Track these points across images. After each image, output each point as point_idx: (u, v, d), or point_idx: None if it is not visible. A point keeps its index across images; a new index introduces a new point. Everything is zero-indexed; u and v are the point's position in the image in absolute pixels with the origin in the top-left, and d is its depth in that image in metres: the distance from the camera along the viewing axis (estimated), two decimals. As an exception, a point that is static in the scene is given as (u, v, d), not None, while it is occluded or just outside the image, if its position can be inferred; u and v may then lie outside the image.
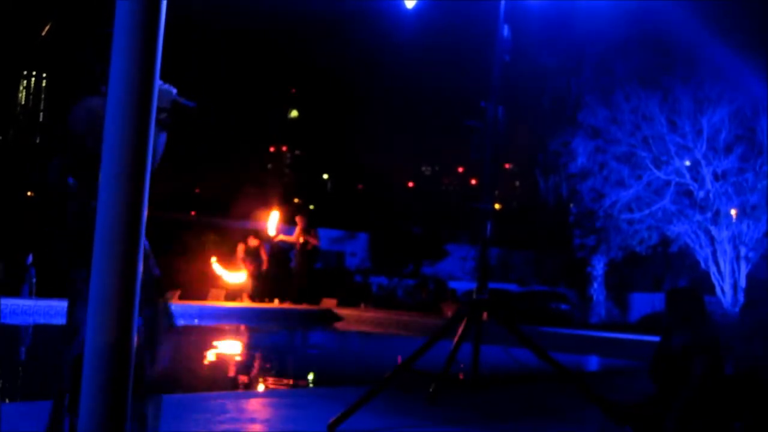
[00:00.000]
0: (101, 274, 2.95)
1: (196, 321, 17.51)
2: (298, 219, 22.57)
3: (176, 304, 17.88)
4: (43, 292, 17.70)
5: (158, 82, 3.36)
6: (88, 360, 2.97)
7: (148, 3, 3.15)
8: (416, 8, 8.67)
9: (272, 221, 22.28)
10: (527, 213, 29.74)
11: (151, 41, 3.16)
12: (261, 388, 10.26)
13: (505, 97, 8.25)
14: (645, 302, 23.55)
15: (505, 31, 7.66)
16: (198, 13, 21.64)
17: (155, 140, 4.55)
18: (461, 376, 9.57)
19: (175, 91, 4.90)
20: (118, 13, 3.13)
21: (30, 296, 17.80)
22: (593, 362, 16.09)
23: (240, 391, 9.16)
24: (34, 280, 18.10)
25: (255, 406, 7.69)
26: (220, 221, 25.90)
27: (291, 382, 10.90)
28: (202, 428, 6.34)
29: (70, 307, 4.73)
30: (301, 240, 21.95)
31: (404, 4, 8.68)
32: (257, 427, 6.73)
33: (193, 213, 24.01)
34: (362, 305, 22.80)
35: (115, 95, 3.08)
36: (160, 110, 4.75)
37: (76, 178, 4.70)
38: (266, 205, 23.06)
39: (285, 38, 28.91)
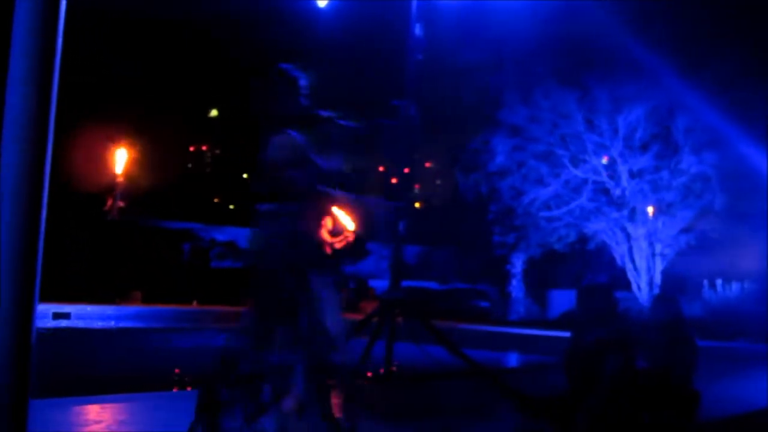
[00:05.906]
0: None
1: (112, 323, 17.20)
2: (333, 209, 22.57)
3: (92, 306, 17.62)
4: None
5: (54, 80, 3.34)
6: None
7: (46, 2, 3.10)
8: (329, 6, 8.66)
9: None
10: (449, 211, 29.76)
11: (51, 39, 3.11)
12: (144, 390, 9.93)
13: (422, 95, 8.27)
14: (564, 299, 23.71)
15: (418, 29, 7.69)
16: (114, 10, 21.35)
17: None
18: (369, 374, 9.42)
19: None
20: (17, 11, 3.07)
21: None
22: (511, 359, 16.18)
23: (125, 393, 8.80)
24: None
25: (132, 409, 7.42)
26: (147, 221, 25.62)
27: (175, 383, 10.67)
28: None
29: (289, 315, 4.91)
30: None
31: (316, 2, 8.67)
32: (126, 428, 6.50)
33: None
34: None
35: (15, 96, 3.02)
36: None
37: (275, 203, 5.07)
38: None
39: (202, 36, 28.68)
